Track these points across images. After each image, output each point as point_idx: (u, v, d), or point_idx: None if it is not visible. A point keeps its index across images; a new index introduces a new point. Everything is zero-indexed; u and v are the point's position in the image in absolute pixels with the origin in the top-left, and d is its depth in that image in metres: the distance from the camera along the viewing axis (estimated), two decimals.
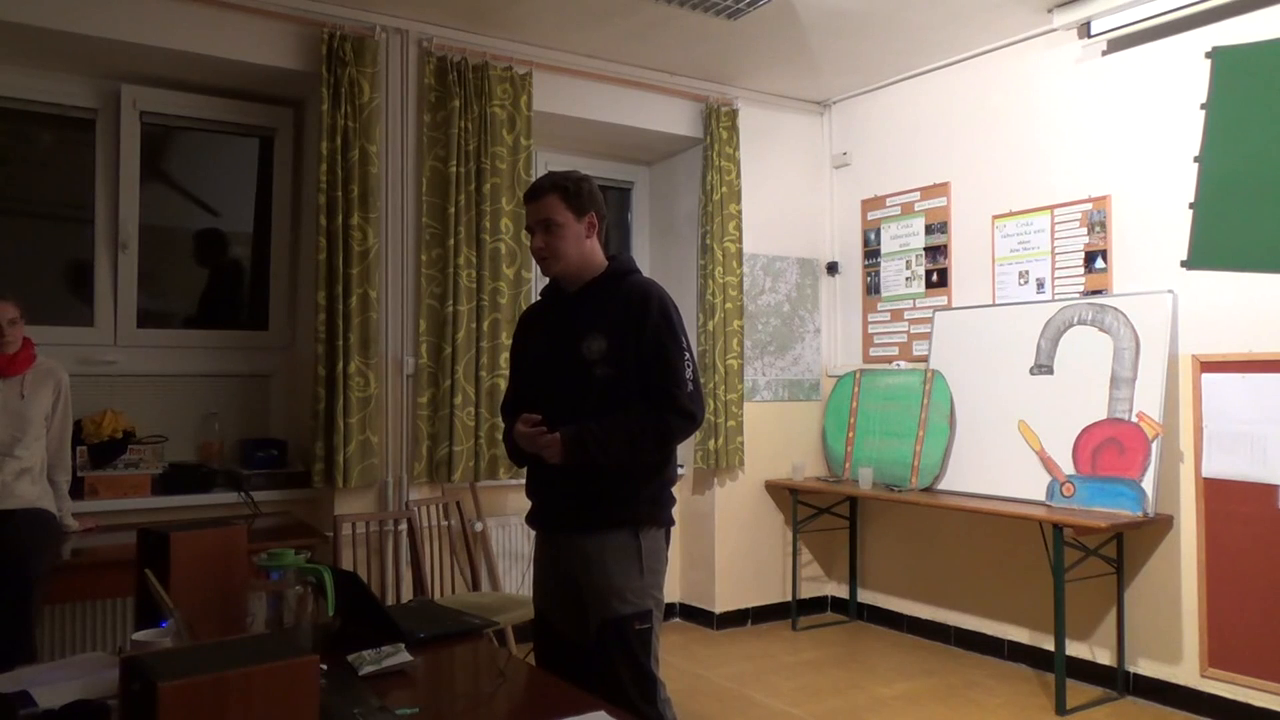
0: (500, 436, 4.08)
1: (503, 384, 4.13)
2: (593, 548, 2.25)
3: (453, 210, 4.06)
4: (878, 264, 5.05)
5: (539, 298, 2.54)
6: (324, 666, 1.62)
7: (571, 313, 2.33)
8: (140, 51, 3.65)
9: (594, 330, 2.26)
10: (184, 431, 4.01)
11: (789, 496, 4.98)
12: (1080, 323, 3.99)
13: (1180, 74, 3.71)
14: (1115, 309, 3.86)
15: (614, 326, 2.26)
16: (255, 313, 4.30)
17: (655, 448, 2.27)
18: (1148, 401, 3.70)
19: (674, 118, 4.85)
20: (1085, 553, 3.74)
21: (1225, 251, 3.58)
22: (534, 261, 2.44)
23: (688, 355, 2.28)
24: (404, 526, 3.89)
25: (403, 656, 1.85)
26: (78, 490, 3.46)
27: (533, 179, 4.31)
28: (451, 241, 4.06)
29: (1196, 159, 3.66)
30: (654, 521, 2.31)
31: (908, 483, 4.52)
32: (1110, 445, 3.79)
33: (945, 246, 4.69)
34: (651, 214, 5.36)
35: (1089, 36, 3.99)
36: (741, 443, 4.85)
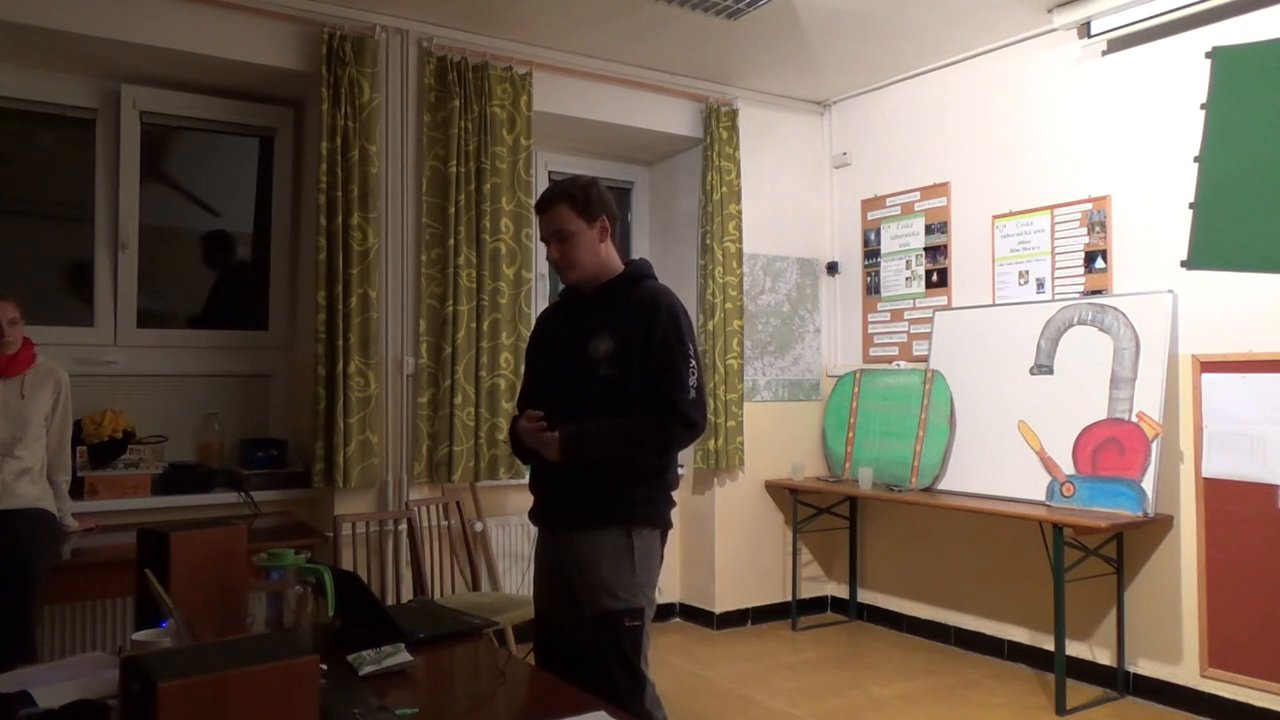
0: (502, 437, 4.10)
1: (503, 384, 4.13)
2: (585, 544, 2.26)
3: (453, 210, 4.06)
4: (878, 264, 5.05)
5: (559, 298, 2.57)
6: (324, 666, 1.62)
7: (583, 313, 2.37)
8: (140, 51, 3.65)
9: (602, 331, 2.28)
10: (184, 431, 4.01)
11: (789, 496, 4.98)
12: (1080, 323, 3.99)
13: (1180, 74, 3.70)
14: (1115, 309, 3.86)
15: (622, 328, 2.27)
16: (255, 313, 4.30)
17: (655, 452, 2.29)
18: (1148, 401, 3.70)
19: (674, 118, 4.85)
20: (1085, 553, 3.74)
21: (1225, 251, 3.58)
22: (538, 264, 2.46)
23: (693, 362, 2.29)
24: (404, 526, 3.89)
25: (403, 656, 1.85)
26: (78, 490, 3.46)
27: (533, 179, 4.35)
28: (451, 241, 4.06)
29: (1196, 159, 3.65)
30: (648, 522, 2.31)
31: (908, 483, 4.52)
32: (1110, 445, 3.79)
33: (945, 246, 4.69)
34: (651, 214, 5.36)
35: (1089, 36, 3.99)
36: (741, 443, 4.85)
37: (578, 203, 2.31)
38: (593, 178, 2.43)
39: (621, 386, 2.25)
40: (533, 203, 4.31)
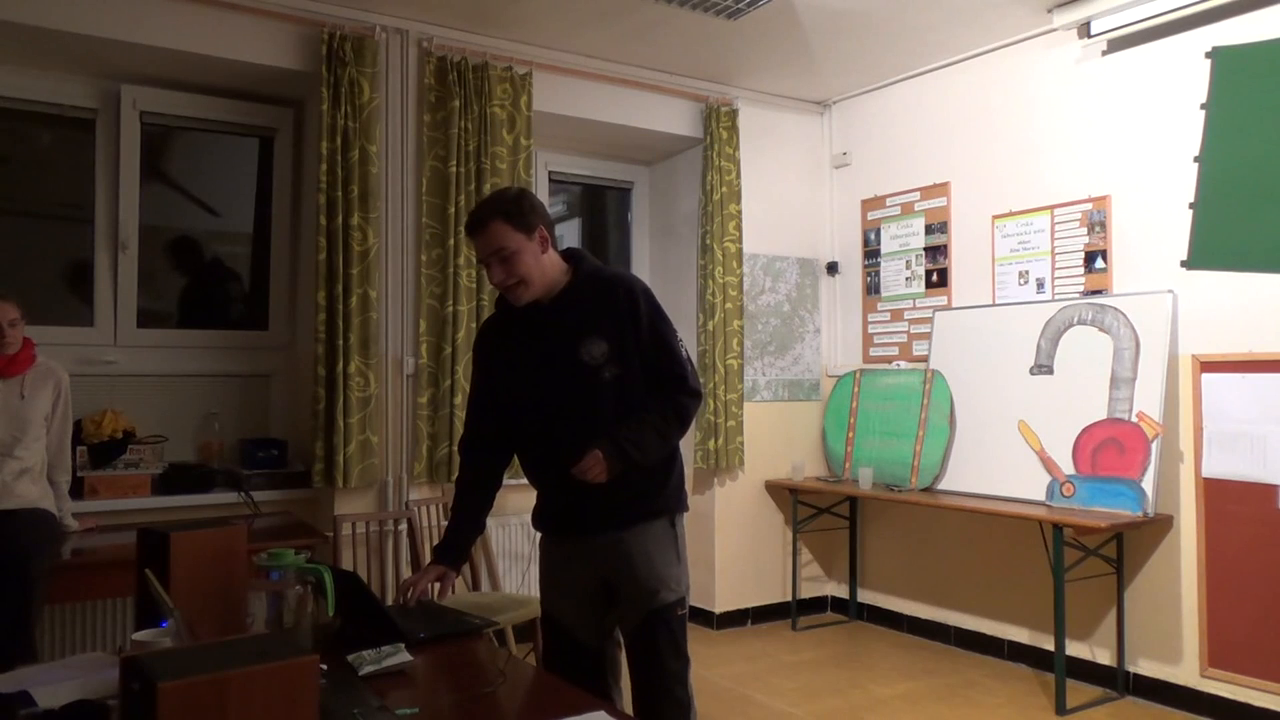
0: None
1: None
2: (634, 541, 2.25)
3: (453, 210, 4.06)
4: (878, 264, 5.06)
5: (496, 310, 2.40)
6: (324, 666, 1.62)
7: (556, 324, 2.26)
8: (140, 51, 3.65)
9: (590, 335, 2.22)
10: (184, 431, 4.01)
11: (789, 496, 4.98)
12: (1080, 323, 3.99)
13: (1180, 74, 3.71)
14: (1115, 309, 3.86)
15: (609, 327, 2.23)
16: (255, 313, 4.30)
17: (680, 432, 2.30)
18: (1148, 401, 3.70)
19: (674, 118, 4.85)
20: (1085, 553, 3.74)
21: (1225, 251, 3.58)
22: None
23: (678, 334, 2.33)
24: (404, 526, 3.89)
25: (403, 656, 1.85)
26: (78, 490, 3.46)
27: (533, 179, 4.35)
28: (451, 241, 4.06)
29: (1196, 159, 3.66)
30: (682, 508, 2.36)
31: (908, 483, 4.52)
32: (1110, 445, 3.79)
33: (945, 246, 4.70)
34: (651, 214, 5.36)
35: (1089, 36, 3.99)
36: (741, 443, 4.85)
37: (512, 217, 2.16)
38: (521, 188, 2.31)
39: (626, 384, 2.23)
40: None
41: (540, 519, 2.41)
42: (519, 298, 2.23)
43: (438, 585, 2.33)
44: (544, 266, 2.23)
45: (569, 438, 2.21)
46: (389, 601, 3.71)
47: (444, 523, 3.91)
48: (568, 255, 2.33)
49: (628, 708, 2.33)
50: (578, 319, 2.25)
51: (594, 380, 2.22)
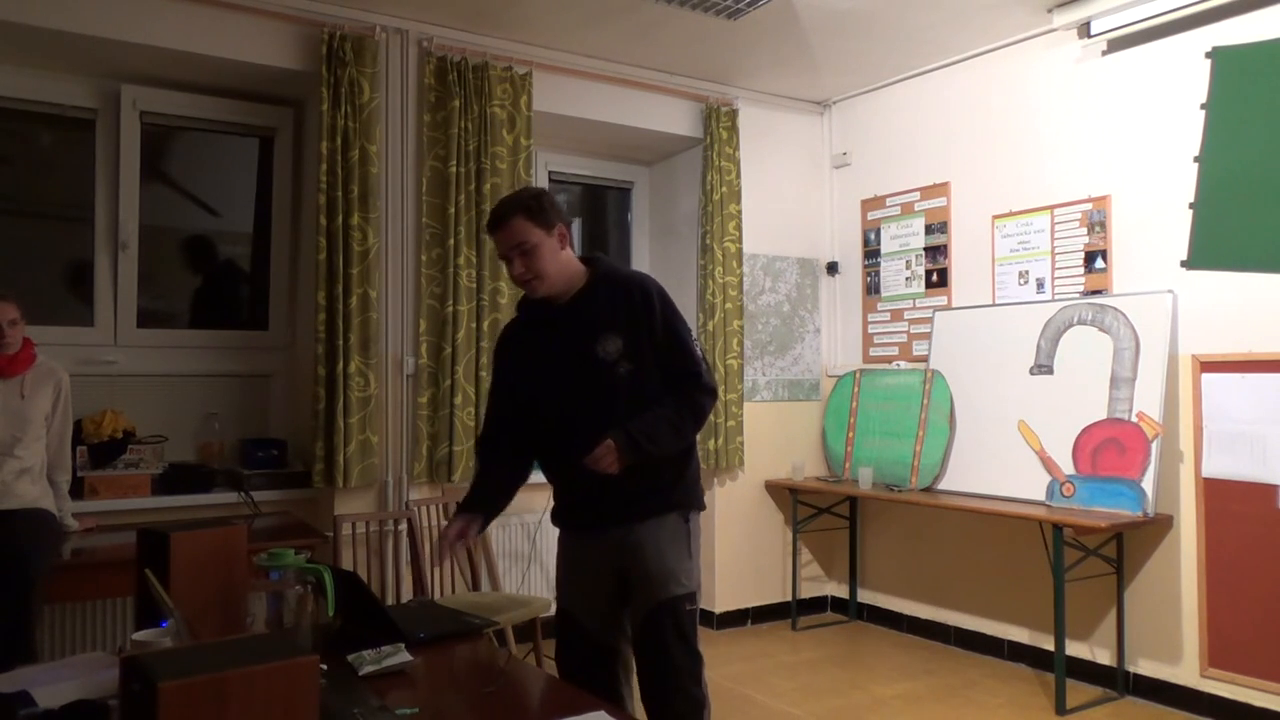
0: None
1: None
2: (647, 535, 2.29)
3: (453, 210, 4.06)
4: (878, 264, 5.06)
5: (521, 314, 2.47)
6: (324, 666, 1.62)
7: (574, 322, 2.33)
8: (140, 51, 3.65)
9: (605, 332, 2.28)
10: (184, 431, 4.01)
11: (789, 496, 4.98)
12: (1080, 323, 3.99)
13: (1180, 74, 3.71)
14: (1115, 309, 3.86)
15: (624, 324, 2.29)
16: (255, 313, 4.30)
17: (695, 428, 2.34)
18: (1148, 401, 3.70)
19: (674, 118, 4.85)
20: (1085, 553, 3.74)
21: (1225, 251, 3.58)
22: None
23: (694, 333, 2.40)
24: (404, 526, 3.89)
25: (403, 656, 1.85)
26: (78, 490, 3.46)
27: (533, 179, 4.35)
28: (451, 241, 4.06)
29: (1196, 159, 3.66)
30: (697, 505, 2.39)
31: (908, 483, 4.52)
32: (1110, 445, 3.79)
33: (945, 246, 4.70)
34: (651, 214, 5.36)
35: (1089, 36, 3.99)
36: (741, 443, 4.85)
37: (533, 213, 2.25)
38: (540, 188, 2.40)
39: (641, 380, 2.27)
40: None
41: (558, 515, 2.46)
42: (534, 291, 2.31)
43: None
44: (562, 262, 2.31)
45: (585, 431, 2.24)
46: (389, 601, 3.72)
47: (444, 523, 3.92)
48: (586, 260, 2.40)
49: (638, 708, 2.33)
50: (594, 316, 2.31)
51: (610, 375, 2.27)
